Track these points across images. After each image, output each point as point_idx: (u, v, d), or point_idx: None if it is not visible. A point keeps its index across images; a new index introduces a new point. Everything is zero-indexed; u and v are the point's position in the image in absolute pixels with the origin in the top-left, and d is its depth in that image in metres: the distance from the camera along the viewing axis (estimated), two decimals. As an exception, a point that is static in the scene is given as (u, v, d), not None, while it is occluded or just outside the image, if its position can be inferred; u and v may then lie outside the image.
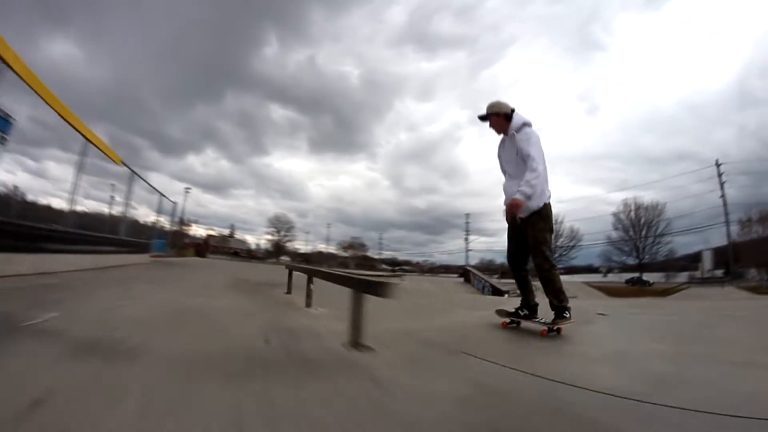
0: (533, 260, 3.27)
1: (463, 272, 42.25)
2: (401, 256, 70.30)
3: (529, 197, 3.07)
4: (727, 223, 29.01)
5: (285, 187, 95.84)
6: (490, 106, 3.34)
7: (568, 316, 3.13)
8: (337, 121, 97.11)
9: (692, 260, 31.27)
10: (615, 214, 40.44)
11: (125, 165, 11.50)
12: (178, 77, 79.45)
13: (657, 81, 70.36)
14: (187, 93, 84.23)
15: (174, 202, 20.79)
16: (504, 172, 3.44)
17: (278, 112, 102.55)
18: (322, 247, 70.90)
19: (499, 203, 3.47)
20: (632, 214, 38.85)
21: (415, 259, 70.67)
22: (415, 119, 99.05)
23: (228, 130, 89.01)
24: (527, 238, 3.26)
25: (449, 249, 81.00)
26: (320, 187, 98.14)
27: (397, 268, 63.78)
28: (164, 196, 17.22)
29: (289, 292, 5.95)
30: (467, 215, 55.04)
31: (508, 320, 3.56)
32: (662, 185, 59.32)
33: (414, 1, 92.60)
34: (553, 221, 3.33)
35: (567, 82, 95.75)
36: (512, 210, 3.11)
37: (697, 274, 28.82)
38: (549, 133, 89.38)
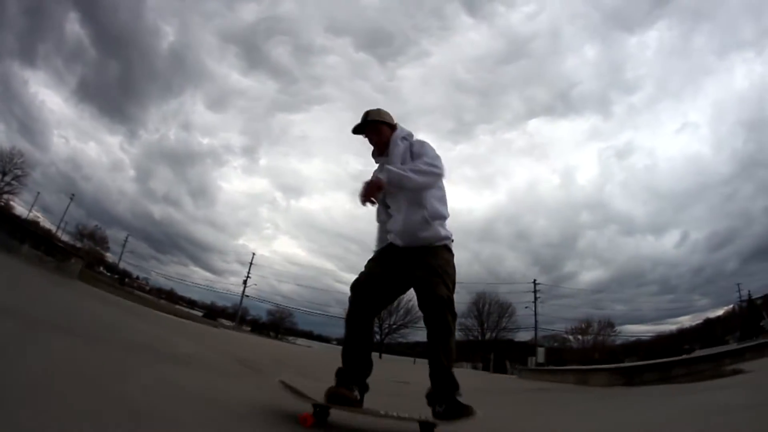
0: (435, 294, 2.01)
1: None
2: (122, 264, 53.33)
3: (413, 185, 2.08)
4: (536, 326, 37.29)
5: (29, 120, 70.10)
6: (376, 113, 2.33)
7: (462, 400, 1.93)
8: (121, 76, 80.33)
9: (528, 353, 34.61)
10: (474, 303, 44.52)
11: None
12: None
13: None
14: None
15: None
16: (386, 207, 2.37)
17: (73, 27, 78.86)
18: (40, 218, 51.10)
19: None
20: (486, 307, 44.98)
21: (134, 273, 55.11)
22: (194, 121, 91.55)
23: (10, 8, 63.00)
24: (410, 278, 2.15)
25: (167, 272, 72.73)
26: (64, 142, 76.47)
27: (121, 278, 51.29)
28: None
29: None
30: (253, 254, 49.67)
31: (313, 410, 1.93)
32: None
33: (271, 12, 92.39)
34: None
35: (348, 159, 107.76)
36: (375, 189, 2.03)
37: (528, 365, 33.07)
38: (313, 198, 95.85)
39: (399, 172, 2.04)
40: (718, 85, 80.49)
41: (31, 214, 47.57)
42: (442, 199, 2.25)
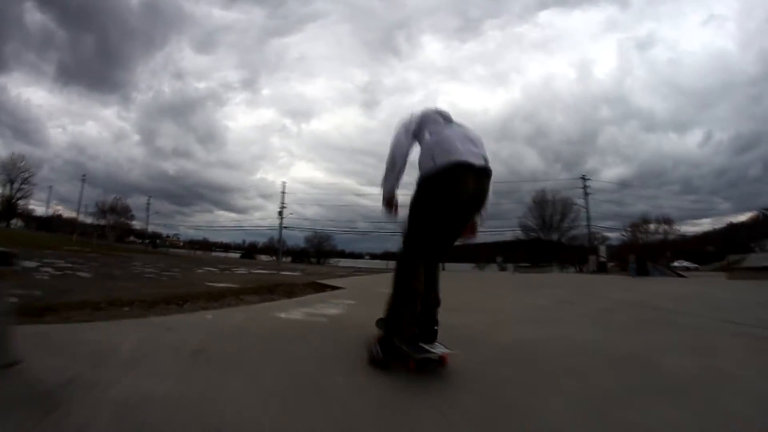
0: None
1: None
2: (150, 228, 55.94)
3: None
4: (588, 224, 36.85)
5: (20, 123, 68.59)
6: None
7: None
8: (99, 46, 76.25)
9: (587, 252, 33.38)
10: (534, 200, 43.72)
11: None
12: None
13: (433, 97, 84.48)
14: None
15: None
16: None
17: (34, 15, 72.39)
18: (61, 209, 52.47)
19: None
20: (548, 203, 42.94)
21: (164, 232, 59.41)
22: (185, 68, 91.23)
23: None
24: None
25: (196, 222, 74.65)
26: (61, 131, 75.80)
27: (152, 241, 52.93)
28: None
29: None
30: (284, 183, 49.56)
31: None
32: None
33: (235, -67, 78.35)
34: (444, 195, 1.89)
35: (354, 72, 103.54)
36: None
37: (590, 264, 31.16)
38: (323, 118, 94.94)
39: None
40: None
41: (50, 209, 47.83)
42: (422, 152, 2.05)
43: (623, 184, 52.64)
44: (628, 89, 74.66)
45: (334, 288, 6.52)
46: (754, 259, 27.29)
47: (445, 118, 2.12)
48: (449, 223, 1.98)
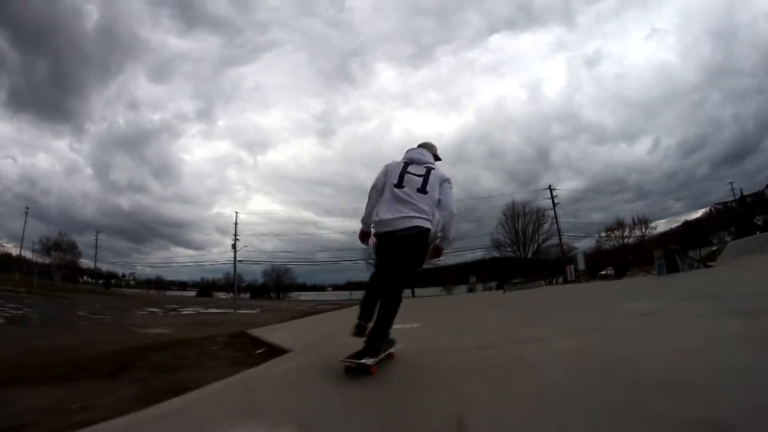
0: None
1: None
2: (103, 267, 53.17)
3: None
4: (560, 234, 37.17)
5: None
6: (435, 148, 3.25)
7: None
8: (52, 72, 73.14)
9: (563, 263, 33.61)
10: (504, 214, 42.07)
11: None
12: None
13: (388, 124, 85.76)
14: None
15: None
16: None
17: None
18: (10, 247, 48.94)
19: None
20: (520, 215, 41.61)
21: (120, 272, 55.59)
22: (140, 98, 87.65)
23: None
24: None
25: (153, 260, 71.39)
26: (11, 163, 71.81)
27: (105, 281, 50.78)
28: None
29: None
30: (236, 213, 45.76)
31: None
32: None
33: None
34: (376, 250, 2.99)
35: (309, 101, 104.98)
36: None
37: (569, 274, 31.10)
38: (279, 149, 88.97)
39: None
40: (683, -10, 76.08)
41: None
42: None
43: (588, 191, 55.19)
44: (578, 105, 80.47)
45: (271, 351, 3.72)
46: (734, 247, 27.03)
47: (401, 173, 2.78)
48: (381, 259, 2.80)
